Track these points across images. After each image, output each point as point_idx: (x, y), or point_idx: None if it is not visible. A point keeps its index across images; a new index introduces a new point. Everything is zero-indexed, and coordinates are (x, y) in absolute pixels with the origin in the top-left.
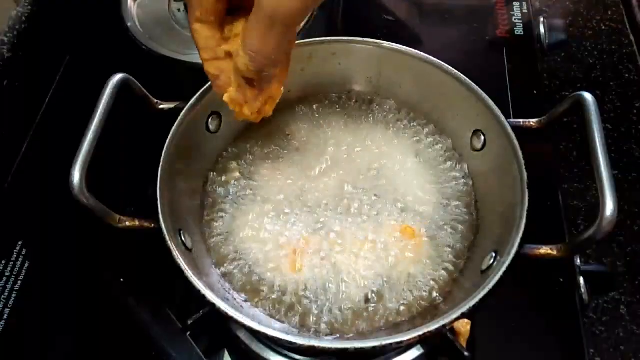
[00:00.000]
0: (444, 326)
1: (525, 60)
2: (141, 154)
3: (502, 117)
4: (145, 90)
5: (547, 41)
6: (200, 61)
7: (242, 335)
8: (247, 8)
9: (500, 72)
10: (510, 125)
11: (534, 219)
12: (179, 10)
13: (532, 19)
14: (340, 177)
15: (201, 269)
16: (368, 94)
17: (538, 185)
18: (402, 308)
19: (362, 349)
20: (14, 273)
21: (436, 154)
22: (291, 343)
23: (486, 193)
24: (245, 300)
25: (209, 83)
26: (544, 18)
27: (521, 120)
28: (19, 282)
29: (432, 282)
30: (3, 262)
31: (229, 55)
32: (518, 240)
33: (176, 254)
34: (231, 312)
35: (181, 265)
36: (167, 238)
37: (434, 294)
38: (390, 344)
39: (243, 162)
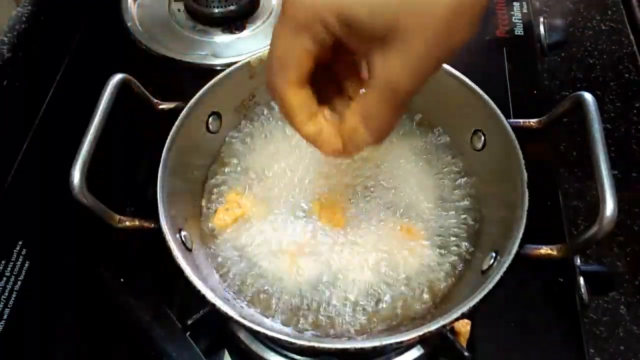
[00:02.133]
0: (444, 326)
1: (525, 60)
2: (141, 154)
3: (502, 117)
4: (145, 90)
5: (547, 41)
6: (199, 61)
7: (242, 335)
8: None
9: (500, 72)
10: (510, 125)
11: (534, 219)
12: (179, 10)
13: (532, 19)
14: (340, 177)
15: (201, 269)
16: None
17: (538, 185)
18: (402, 308)
19: (362, 349)
20: (14, 273)
21: (436, 153)
22: (291, 343)
23: (486, 193)
24: (245, 300)
25: (209, 83)
26: (544, 18)
27: (521, 120)
28: (19, 282)
29: (432, 282)
30: (3, 262)
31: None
32: (518, 240)
33: (176, 254)
34: (231, 312)
35: (181, 265)
36: (167, 238)
37: (434, 293)
38: (390, 344)
39: (243, 162)
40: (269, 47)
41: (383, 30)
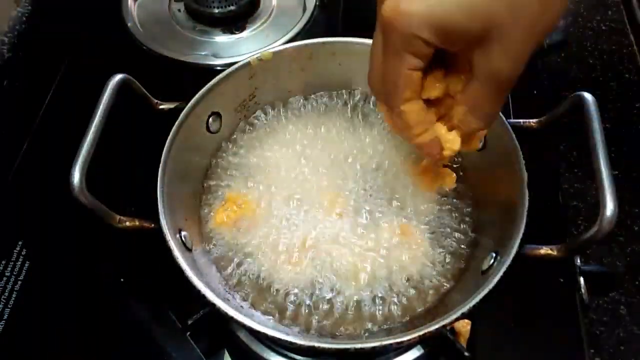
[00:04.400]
0: (444, 326)
1: None
2: (141, 154)
3: (502, 117)
4: (145, 90)
5: (547, 41)
6: (199, 61)
7: (242, 335)
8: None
9: None
10: (510, 125)
11: (534, 219)
12: (179, 10)
13: None
14: (340, 176)
15: (201, 269)
16: (368, 94)
17: (538, 185)
18: (401, 308)
19: (362, 349)
20: (14, 273)
21: None
22: (291, 343)
23: (486, 193)
24: (245, 300)
25: (209, 83)
26: None
27: (521, 120)
28: (19, 282)
29: (432, 282)
30: (3, 262)
31: (438, 117)
32: (518, 240)
33: (176, 254)
34: (231, 312)
35: (181, 265)
36: (167, 238)
37: (434, 293)
38: (391, 344)
39: (242, 162)
40: (370, 68)
41: (480, 32)
